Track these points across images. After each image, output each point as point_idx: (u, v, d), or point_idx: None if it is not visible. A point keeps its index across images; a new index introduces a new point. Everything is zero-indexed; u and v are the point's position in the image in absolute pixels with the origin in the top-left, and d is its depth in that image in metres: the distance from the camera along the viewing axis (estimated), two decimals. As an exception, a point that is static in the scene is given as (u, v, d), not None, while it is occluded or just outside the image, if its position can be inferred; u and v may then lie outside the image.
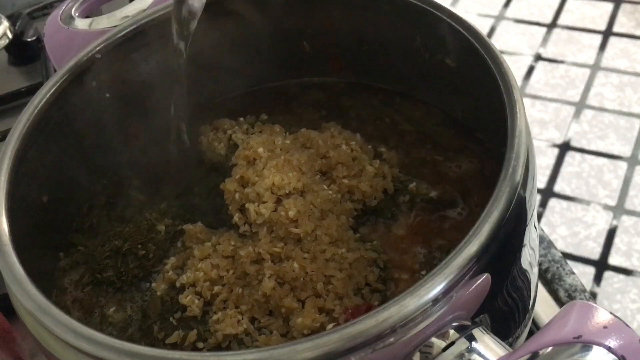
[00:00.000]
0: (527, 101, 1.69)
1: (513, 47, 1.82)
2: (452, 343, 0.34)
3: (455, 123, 0.54)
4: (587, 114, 1.68)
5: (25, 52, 0.76)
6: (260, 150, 0.49)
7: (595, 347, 0.30)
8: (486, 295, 0.35)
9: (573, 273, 0.64)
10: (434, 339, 0.34)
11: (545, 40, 1.84)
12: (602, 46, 1.80)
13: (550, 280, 0.63)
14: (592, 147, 1.61)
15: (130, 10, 0.54)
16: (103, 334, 0.35)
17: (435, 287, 0.33)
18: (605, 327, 0.31)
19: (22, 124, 0.47)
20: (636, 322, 1.31)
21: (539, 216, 1.49)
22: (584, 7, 1.92)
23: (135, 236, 0.49)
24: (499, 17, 1.92)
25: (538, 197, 1.49)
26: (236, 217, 0.47)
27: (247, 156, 0.49)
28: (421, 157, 0.52)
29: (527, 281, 0.42)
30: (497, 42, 1.82)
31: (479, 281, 0.34)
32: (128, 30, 0.53)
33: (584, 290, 0.63)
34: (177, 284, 0.46)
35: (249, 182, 0.47)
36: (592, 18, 1.88)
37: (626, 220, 1.46)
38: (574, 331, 0.31)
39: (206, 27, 0.56)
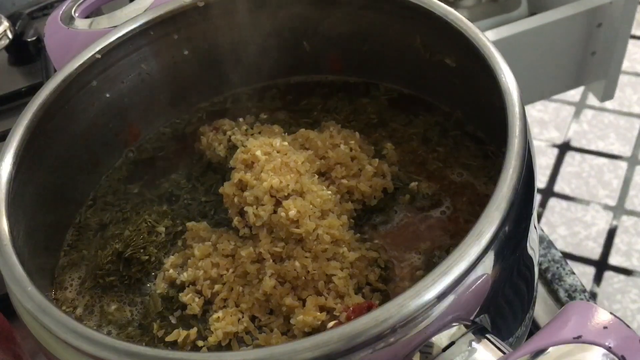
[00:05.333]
0: (527, 101, 1.68)
1: (513, 47, 1.82)
2: (453, 343, 0.34)
3: (455, 123, 0.54)
4: (587, 114, 1.68)
5: (25, 52, 0.76)
6: (258, 153, 0.49)
7: (595, 348, 0.30)
8: (486, 295, 0.35)
9: (573, 273, 0.64)
10: (434, 339, 0.34)
11: (545, 40, 1.83)
12: (602, 46, 1.80)
13: (550, 280, 0.63)
14: (592, 147, 1.61)
15: (130, 10, 0.54)
16: (103, 334, 0.35)
17: (435, 287, 0.33)
18: (605, 327, 0.31)
19: (22, 124, 0.47)
20: (636, 322, 1.31)
21: (539, 216, 1.49)
22: (584, 7, 1.92)
23: (137, 240, 0.49)
24: (499, 17, 1.92)
25: (538, 197, 1.49)
26: (235, 221, 0.48)
27: (245, 160, 0.49)
28: (421, 157, 0.52)
29: (527, 281, 0.42)
30: (497, 42, 1.81)
31: (479, 281, 0.35)
32: (128, 30, 0.53)
33: (584, 290, 0.63)
34: (177, 282, 0.46)
35: (247, 186, 0.47)
36: (592, 18, 1.88)
37: (626, 220, 1.46)
38: (573, 331, 0.31)
39: (205, 27, 0.56)
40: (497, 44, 0.87)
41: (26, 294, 0.37)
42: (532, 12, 0.97)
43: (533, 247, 0.42)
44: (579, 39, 0.96)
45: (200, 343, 0.43)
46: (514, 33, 0.89)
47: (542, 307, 0.62)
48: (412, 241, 0.47)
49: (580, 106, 1.70)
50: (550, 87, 1.03)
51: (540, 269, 0.64)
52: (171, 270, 0.47)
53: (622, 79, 1.73)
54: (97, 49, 0.52)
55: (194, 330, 0.44)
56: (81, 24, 0.55)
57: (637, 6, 0.96)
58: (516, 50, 0.90)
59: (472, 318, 0.35)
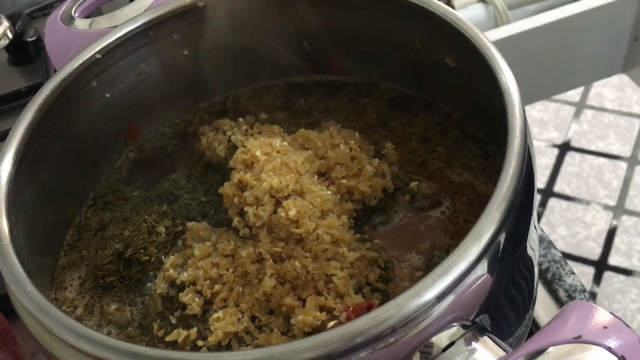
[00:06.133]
0: (527, 101, 1.68)
1: (513, 47, 1.82)
2: (452, 343, 0.34)
3: (455, 123, 0.54)
4: (587, 114, 1.68)
5: (25, 52, 0.76)
6: (258, 153, 0.49)
7: (595, 348, 0.30)
8: (486, 295, 0.35)
9: (573, 273, 0.64)
10: (434, 339, 0.34)
11: (545, 40, 1.83)
12: (602, 46, 1.80)
13: (550, 280, 0.63)
14: (592, 147, 1.61)
15: (130, 10, 0.54)
16: (103, 334, 0.35)
17: (435, 287, 0.33)
18: (605, 327, 0.31)
19: (22, 124, 0.47)
20: (636, 322, 1.31)
21: (539, 216, 1.49)
22: (584, 7, 1.92)
23: (137, 240, 0.49)
24: (499, 17, 1.91)
25: (538, 197, 1.49)
26: (235, 221, 0.48)
27: (245, 160, 0.49)
28: (421, 157, 0.52)
29: (527, 281, 0.42)
30: (497, 42, 1.81)
31: (478, 281, 0.35)
32: (128, 30, 0.53)
33: (584, 290, 0.63)
34: (177, 282, 0.46)
35: (247, 186, 0.47)
36: (592, 18, 1.88)
37: (626, 220, 1.46)
38: (573, 331, 0.31)
39: (206, 27, 0.56)
40: (540, 30, 0.87)
41: (26, 294, 0.37)
42: (575, -3, 0.95)
43: (533, 247, 0.42)
44: (625, 24, 0.94)
45: (200, 343, 0.43)
46: (559, 19, 0.87)
47: (542, 307, 0.62)
48: (412, 241, 0.47)
49: (580, 106, 1.70)
50: (592, 73, 1.01)
51: (540, 269, 0.64)
52: (171, 270, 0.47)
53: (623, 78, 1.73)
54: (97, 49, 0.52)
55: (194, 330, 0.44)
56: (81, 24, 0.55)
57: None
58: (560, 37, 0.89)
59: (472, 318, 0.35)
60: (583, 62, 0.97)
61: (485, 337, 0.34)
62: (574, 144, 1.62)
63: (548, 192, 1.53)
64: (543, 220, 1.48)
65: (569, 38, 0.91)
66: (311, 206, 0.46)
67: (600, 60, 0.99)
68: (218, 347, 0.43)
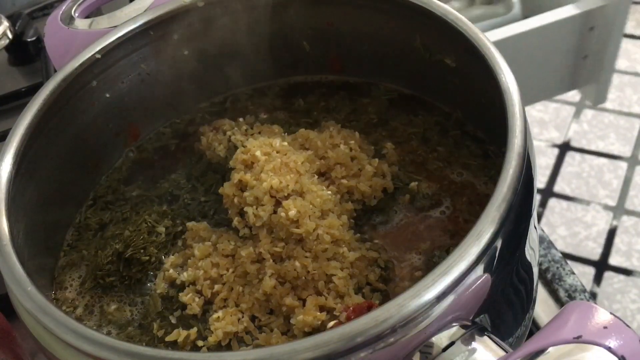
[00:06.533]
0: (527, 101, 1.68)
1: (513, 47, 1.82)
2: (452, 343, 0.34)
3: (455, 123, 0.54)
4: (587, 114, 1.68)
5: (25, 52, 0.76)
6: (258, 153, 0.49)
7: (595, 348, 0.30)
8: (486, 295, 0.35)
9: (573, 273, 0.64)
10: (434, 339, 0.34)
11: (545, 40, 1.83)
12: (602, 46, 1.80)
13: (550, 280, 0.63)
14: (592, 147, 1.61)
15: (130, 10, 0.54)
16: (103, 334, 0.35)
17: (435, 287, 0.33)
18: (605, 327, 0.31)
19: (22, 124, 0.47)
20: (636, 322, 1.31)
21: (539, 216, 1.49)
22: (584, 7, 1.92)
23: (137, 240, 0.49)
24: (499, 17, 1.91)
25: (538, 197, 1.49)
26: (235, 221, 0.48)
27: (245, 160, 0.49)
28: (421, 157, 0.52)
29: (527, 281, 0.42)
30: (497, 42, 1.81)
31: (479, 281, 0.35)
32: (128, 30, 0.53)
33: (584, 290, 0.63)
34: (177, 282, 0.46)
35: (247, 186, 0.47)
36: (592, 18, 1.88)
37: (626, 220, 1.46)
38: (574, 331, 0.31)
39: (206, 26, 0.56)
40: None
41: (26, 294, 0.37)
42: (525, 15, 0.97)
43: (533, 247, 0.42)
44: (572, 42, 0.96)
45: (200, 343, 0.43)
46: (507, 36, 0.88)
47: (542, 307, 0.62)
48: (412, 241, 0.47)
49: (580, 106, 1.70)
50: (542, 90, 1.03)
51: (540, 269, 0.64)
52: (171, 270, 0.47)
53: (622, 78, 1.73)
54: (97, 49, 0.52)
55: (194, 330, 0.44)
56: (81, 24, 0.55)
57: (628, 11, 0.97)
58: (508, 54, 0.91)
59: (472, 318, 0.35)
60: (534, 79, 0.98)
61: (485, 337, 0.34)
62: (574, 144, 1.62)
63: (548, 192, 1.53)
64: (543, 220, 1.48)
65: (518, 55, 0.92)
66: (311, 206, 0.46)
67: (551, 77, 1.01)
68: (218, 347, 0.43)
